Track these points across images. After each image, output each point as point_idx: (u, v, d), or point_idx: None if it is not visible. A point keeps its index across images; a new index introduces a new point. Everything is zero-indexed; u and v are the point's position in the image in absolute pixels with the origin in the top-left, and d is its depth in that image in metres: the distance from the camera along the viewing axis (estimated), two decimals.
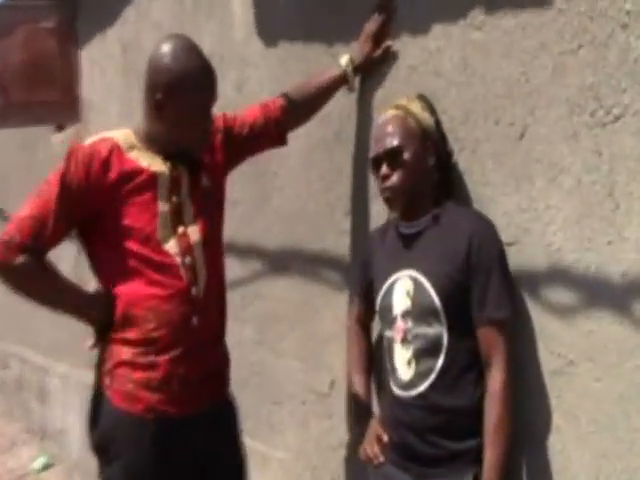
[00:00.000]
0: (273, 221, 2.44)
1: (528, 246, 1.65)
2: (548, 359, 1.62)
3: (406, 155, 1.72)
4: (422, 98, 1.81)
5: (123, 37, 3.49)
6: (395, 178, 1.72)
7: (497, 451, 1.54)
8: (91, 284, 1.87)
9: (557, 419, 1.61)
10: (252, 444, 2.43)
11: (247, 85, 2.54)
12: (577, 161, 1.55)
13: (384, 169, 1.73)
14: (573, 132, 1.56)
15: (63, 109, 4.05)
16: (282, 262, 2.42)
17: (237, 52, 2.59)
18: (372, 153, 1.78)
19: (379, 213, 2.04)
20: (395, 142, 1.72)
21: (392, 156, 1.73)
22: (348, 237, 2.17)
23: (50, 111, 4.05)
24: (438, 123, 1.79)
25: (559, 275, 1.60)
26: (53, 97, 3.98)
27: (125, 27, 3.48)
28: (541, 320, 1.63)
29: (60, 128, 4.52)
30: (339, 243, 2.19)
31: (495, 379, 1.58)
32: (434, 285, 1.64)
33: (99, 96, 3.85)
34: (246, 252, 2.54)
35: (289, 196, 2.37)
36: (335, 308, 2.21)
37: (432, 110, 1.79)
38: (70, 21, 3.98)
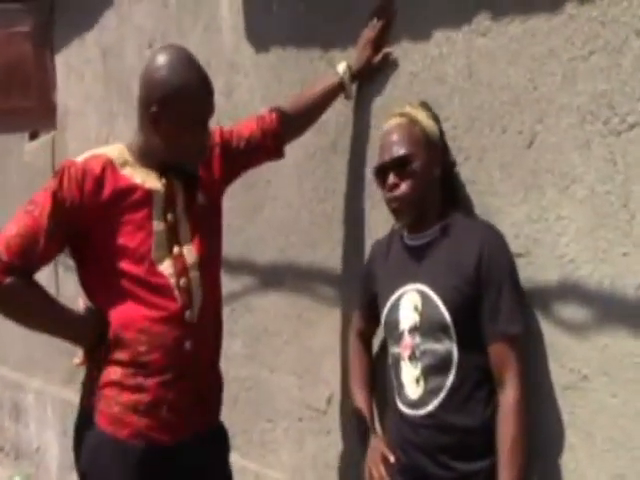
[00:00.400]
0: (265, 231, 2.37)
1: (538, 258, 1.61)
2: (560, 374, 1.57)
3: (415, 164, 1.66)
4: (425, 106, 1.76)
5: (103, 42, 3.40)
6: (404, 188, 1.66)
7: (513, 473, 1.48)
8: (75, 302, 1.78)
9: (570, 436, 1.56)
10: (244, 463, 2.35)
11: (236, 93, 2.47)
12: (590, 170, 1.51)
13: (392, 178, 1.67)
14: (585, 141, 1.52)
15: (38, 116, 3.94)
16: (274, 274, 2.34)
17: (225, 58, 2.52)
18: (377, 162, 1.72)
19: (377, 224, 1.99)
20: (403, 151, 1.67)
21: (400, 165, 1.67)
22: (344, 249, 2.11)
23: (24, 118, 3.93)
24: (442, 132, 1.75)
25: (572, 287, 1.55)
26: (27, 103, 3.86)
27: (105, 32, 3.38)
28: (553, 334, 1.58)
29: (34, 136, 4.40)
30: (334, 255, 2.13)
31: (508, 397, 1.53)
32: (443, 299, 1.59)
33: (76, 102, 3.75)
34: (236, 263, 2.46)
35: (282, 206, 2.30)
36: (331, 321, 2.15)
37: (436, 118, 1.75)
38: (45, 25, 3.87)
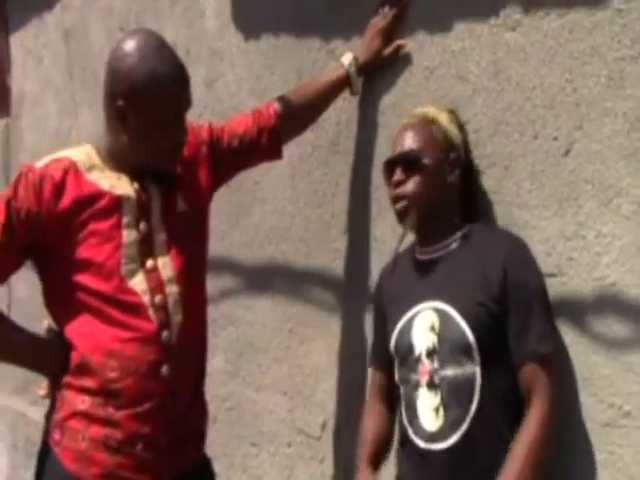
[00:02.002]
0: (252, 237, 2.17)
1: (573, 279, 1.45)
2: (597, 409, 1.42)
3: (425, 161, 1.51)
4: (452, 112, 1.60)
5: (65, 23, 3.13)
6: (410, 185, 1.52)
7: None
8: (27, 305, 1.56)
9: (607, 478, 1.41)
10: None
11: (220, 83, 2.25)
12: (638, 183, 1.36)
13: (398, 174, 1.53)
14: (633, 150, 1.37)
15: None
16: (262, 283, 2.14)
17: (208, 45, 2.30)
18: (389, 158, 1.57)
19: (383, 234, 1.81)
20: (413, 145, 1.53)
21: (408, 161, 1.52)
22: (344, 259, 1.92)
23: None
24: (466, 140, 1.59)
25: (613, 312, 1.40)
26: None
27: (67, 12, 3.12)
28: (589, 363, 1.43)
29: None
30: (333, 265, 1.94)
31: (531, 417, 1.37)
32: (465, 317, 1.42)
33: (34, 88, 3.46)
34: (217, 270, 2.24)
35: (273, 210, 2.10)
36: (327, 338, 1.96)
37: (460, 125, 1.59)
38: None
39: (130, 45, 1.49)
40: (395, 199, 1.54)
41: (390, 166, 1.56)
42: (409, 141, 1.54)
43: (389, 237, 1.78)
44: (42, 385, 1.55)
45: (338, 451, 1.94)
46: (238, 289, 2.21)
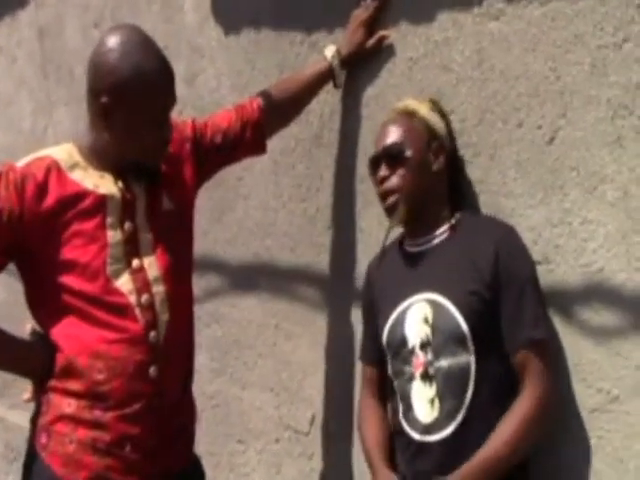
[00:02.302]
0: (236, 233, 2.15)
1: (560, 265, 1.46)
2: (586, 394, 1.42)
3: (408, 153, 1.52)
4: (433, 102, 1.60)
5: (39, 20, 3.08)
6: (395, 180, 1.52)
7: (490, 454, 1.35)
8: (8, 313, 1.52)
9: (597, 463, 1.41)
10: None
11: (200, 79, 2.23)
12: (623, 169, 1.37)
13: (382, 170, 1.54)
14: (617, 137, 1.38)
15: None
16: (246, 280, 2.13)
17: (187, 40, 2.27)
18: (373, 152, 1.57)
19: (370, 226, 1.80)
20: (395, 139, 1.54)
21: (392, 156, 1.52)
22: (329, 254, 1.91)
23: None
24: (449, 128, 1.59)
25: (600, 298, 1.41)
26: None
27: (42, 9, 3.07)
28: (577, 349, 1.43)
29: None
30: (318, 260, 1.93)
31: (524, 397, 1.37)
32: (458, 307, 1.42)
33: (6, 88, 3.40)
34: (200, 266, 2.22)
35: (256, 206, 2.08)
36: (313, 333, 1.95)
37: (442, 113, 1.59)
38: None
39: (113, 40, 1.46)
40: (383, 195, 1.54)
41: (375, 163, 1.56)
42: (390, 136, 1.54)
43: (375, 229, 1.77)
44: (26, 388, 1.51)
45: (327, 446, 1.93)
46: (222, 286, 2.19)
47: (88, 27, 2.74)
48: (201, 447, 2.03)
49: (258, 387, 2.09)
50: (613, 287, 1.39)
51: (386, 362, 1.53)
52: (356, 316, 1.81)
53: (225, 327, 2.18)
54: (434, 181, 1.54)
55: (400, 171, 1.52)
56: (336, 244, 1.89)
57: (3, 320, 1.75)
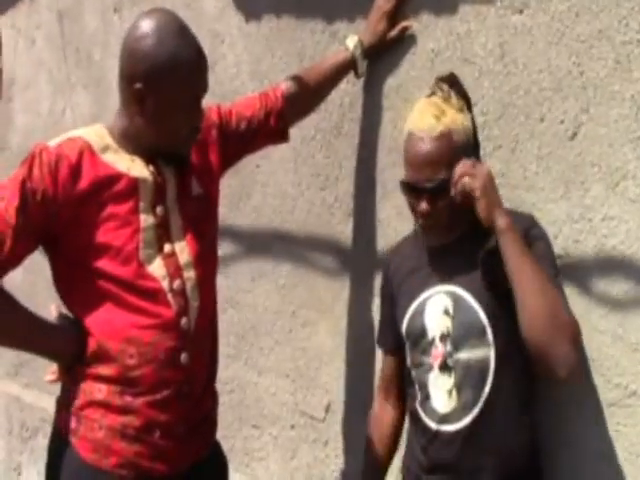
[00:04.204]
0: (253, 221, 2.16)
1: (580, 261, 1.46)
2: (604, 389, 1.44)
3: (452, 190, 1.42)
4: (456, 88, 1.51)
5: (59, 4, 3.07)
6: (437, 216, 1.45)
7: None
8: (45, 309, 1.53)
9: (614, 457, 1.43)
10: None
11: (219, 66, 2.23)
12: None
13: (424, 205, 1.44)
14: None
15: None
16: (263, 266, 2.14)
17: (207, 26, 2.27)
18: (407, 177, 1.47)
19: (389, 217, 1.81)
20: (437, 175, 1.42)
21: (435, 190, 1.43)
22: (348, 242, 1.92)
23: None
24: (474, 123, 1.53)
25: (620, 295, 1.42)
26: None
27: None
28: (595, 346, 1.45)
29: None
30: (336, 248, 1.94)
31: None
32: (479, 300, 1.42)
33: (26, 71, 3.41)
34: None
35: (275, 193, 2.09)
36: (330, 320, 1.97)
37: (469, 103, 1.53)
38: None
39: (148, 25, 1.44)
40: (421, 225, 1.50)
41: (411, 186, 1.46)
42: (433, 169, 1.42)
43: (394, 220, 1.78)
44: (53, 369, 1.52)
45: (343, 433, 1.95)
46: (239, 272, 2.20)
47: (107, 10, 2.73)
48: (216, 431, 2.06)
49: (274, 373, 2.11)
50: (633, 285, 1.39)
51: (404, 350, 1.54)
52: (374, 304, 1.82)
53: (241, 313, 2.20)
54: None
55: (441, 205, 1.44)
56: (354, 233, 1.90)
57: (22, 301, 1.78)
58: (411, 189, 1.47)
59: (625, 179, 1.40)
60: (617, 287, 1.42)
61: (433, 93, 1.51)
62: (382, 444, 1.64)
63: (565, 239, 1.49)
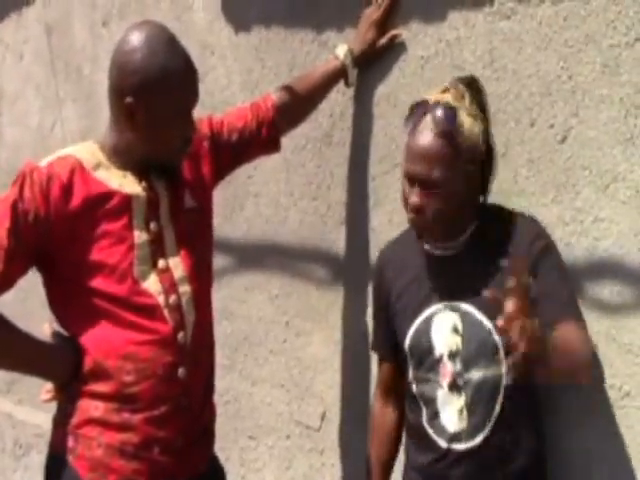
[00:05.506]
0: (245, 231, 2.16)
1: (572, 264, 1.47)
2: (598, 390, 1.44)
3: (446, 189, 1.37)
4: (471, 86, 1.42)
5: (47, 18, 3.08)
6: (428, 213, 1.38)
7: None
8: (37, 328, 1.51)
9: (609, 459, 1.43)
10: None
11: (210, 77, 2.24)
12: (635, 168, 1.39)
13: (414, 197, 1.38)
14: (629, 136, 1.39)
15: None
16: (256, 277, 2.14)
17: (197, 38, 2.27)
18: (405, 165, 1.42)
19: (381, 225, 1.82)
20: (438, 174, 1.36)
21: (428, 186, 1.38)
22: (342, 250, 1.92)
23: None
24: (488, 130, 1.44)
25: (613, 297, 1.42)
26: None
27: (50, 7, 3.07)
28: None
29: None
30: (331, 257, 1.94)
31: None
32: (488, 315, 1.36)
33: (14, 86, 3.41)
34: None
35: (267, 203, 2.09)
36: (324, 330, 1.96)
37: (484, 111, 1.44)
38: None
39: (138, 39, 1.43)
40: (411, 219, 1.42)
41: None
42: (427, 165, 1.36)
43: (386, 227, 1.79)
44: (48, 388, 1.50)
45: (339, 442, 1.94)
46: (232, 283, 2.20)
47: (96, 24, 2.74)
48: None
49: (269, 383, 2.10)
50: (625, 286, 1.40)
51: (403, 362, 1.50)
52: (368, 313, 1.82)
53: (235, 324, 2.20)
54: (469, 195, 1.42)
55: (434, 202, 1.37)
56: (347, 242, 1.90)
57: (14, 319, 1.76)
58: (405, 177, 1.42)
59: (615, 181, 1.41)
60: (609, 288, 1.42)
61: (447, 89, 1.42)
62: (387, 446, 1.59)
63: (557, 242, 1.48)
